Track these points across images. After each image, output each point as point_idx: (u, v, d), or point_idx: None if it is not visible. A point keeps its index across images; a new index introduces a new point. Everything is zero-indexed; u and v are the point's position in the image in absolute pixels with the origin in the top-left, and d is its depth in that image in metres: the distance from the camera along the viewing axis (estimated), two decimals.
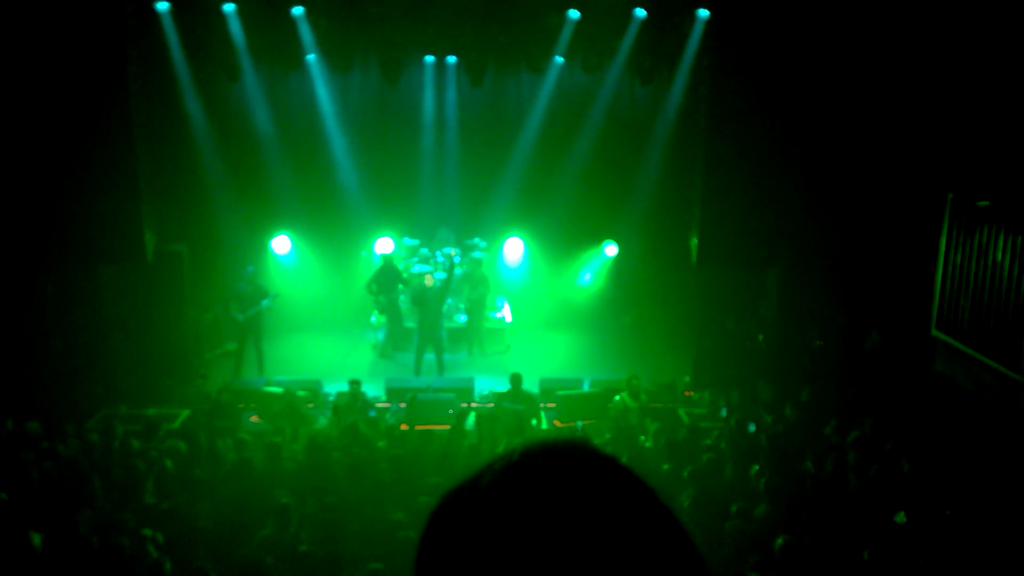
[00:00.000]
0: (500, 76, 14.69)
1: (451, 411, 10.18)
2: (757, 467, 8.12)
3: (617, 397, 10.48)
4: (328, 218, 14.97)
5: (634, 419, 10.21)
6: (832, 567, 6.32)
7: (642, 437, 9.78)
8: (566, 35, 12.89)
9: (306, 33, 12.71)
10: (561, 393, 11.55)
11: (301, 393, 11.36)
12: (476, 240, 15.03)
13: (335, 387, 11.80)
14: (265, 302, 12.96)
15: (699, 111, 12.32)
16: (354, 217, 15.04)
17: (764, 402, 10.95)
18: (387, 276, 13.78)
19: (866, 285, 11.90)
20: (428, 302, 12.80)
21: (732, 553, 6.51)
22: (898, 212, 11.30)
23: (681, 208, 13.04)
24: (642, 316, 15.33)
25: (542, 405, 11.29)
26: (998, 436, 8.91)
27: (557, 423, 11.14)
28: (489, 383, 12.29)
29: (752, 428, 9.48)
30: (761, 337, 13.01)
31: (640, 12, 12.49)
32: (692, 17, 12.27)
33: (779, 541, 6.24)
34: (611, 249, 15.57)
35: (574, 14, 12.54)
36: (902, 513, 6.91)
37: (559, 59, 13.90)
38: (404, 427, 10.35)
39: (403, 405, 11.27)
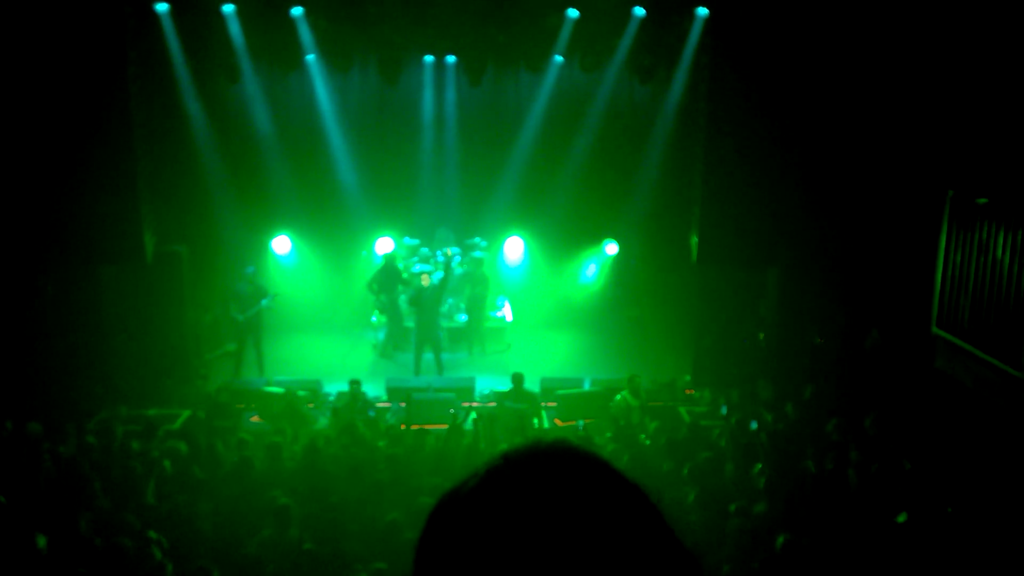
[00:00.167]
0: (499, 76, 14.69)
1: (452, 411, 10.18)
2: (759, 465, 8.13)
3: (619, 396, 10.49)
4: (328, 218, 14.97)
5: (635, 418, 10.22)
6: (833, 565, 6.32)
7: (643, 436, 9.78)
8: (565, 34, 12.90)
9: (305, 33, 12.71)
10: (561, 392, 11.55)
11: (301, 393, 11.36)
12: (476, 239, 15.04)
13: (335, 387, 11.81)
14: (264, 302, 12.96)
15: (698, 109, 12.32)
16: (354, 217, 15.04)
17: (764, 401, 10.96)
18: (388, 275, 13.79)
19: (866, 283, 11.89)
20: (425, 302, 12.80)
21: (733, 552, 6.52)
22: (898, 210, 11.29)
23: (681, 207, 13.04)
24: (642, 315, 15.33)
25: (543, 404, 11.30)
26: (999, 433, 8.91)
27: (558, 422, 11.15)
28: (490, 382, 12.30)
29: (754, 426, 9.49)
30: (761, 336, 13.01)
31: (639, 11, 12.49)
32: (691, 15, 12.27)
33: (780, 539, 6.24)
34: (611, 248, 15.58)
35: (573, 13, 12.54)
36: (904, 514, 6.91)
37: (558, 58, 13.90)
38: (404, 427, 10.36)
39: (403, 405, 11.27)
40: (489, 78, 14.19)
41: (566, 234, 15.32)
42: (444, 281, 13.16)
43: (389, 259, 13.99)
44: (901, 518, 6.86)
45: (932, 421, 9.49)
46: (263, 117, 14.32)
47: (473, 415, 10.00)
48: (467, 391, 11.83)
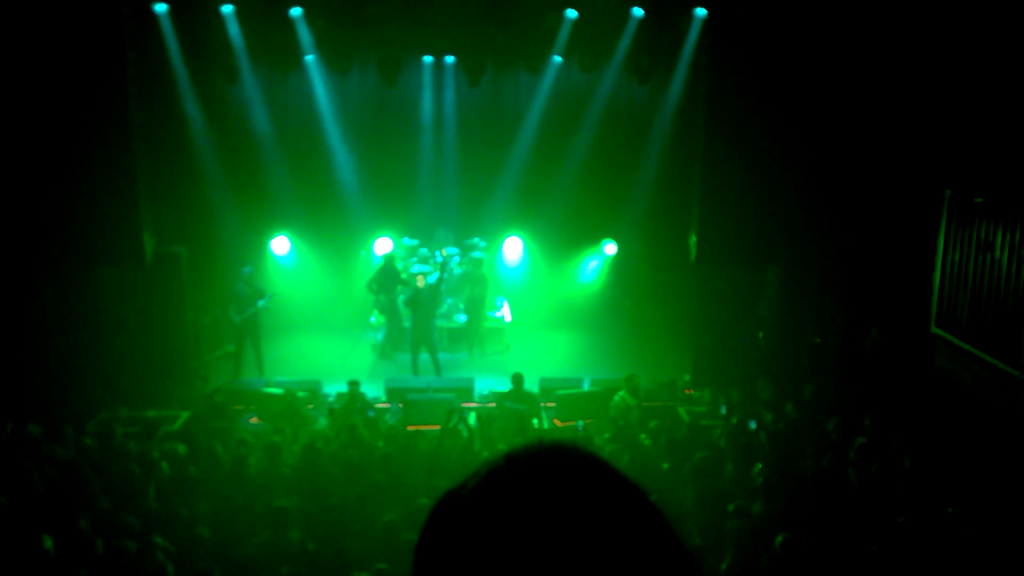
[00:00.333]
0: (498, 76, 14.70)
1: (449, 411, 10.18)
2: (759, 465, 8.13)
3: (618, 396, 10.48)
4: (327, 218, 14.97)
5: (635, 417, 10.22)
6: (832, 564, 6.32)
7: (643, 436, 9.78)
8: (564, 34, 12.90)
9: (304, 34, 12.71)
10: (561, 392, 11.55)
11: (301, 394, 11.35)
12: (475, 240, 15.04)
13: (335, 388, 11.80)
14: (261, 302, 12.96)
15: (697, 109, 12.32)
16: (353, 217, 15.04)
17: (764, 400, 10.96)
18: (387, 276, 13.79)
19: (865, 282, 11.90)
20: (421, 303, 12.81)
21: (733, 552, 6.52)
22: (896, 209, 11.30)
23: (680, 207, 13.04)
24: (642, 315, 15.33)
25: (542, 404, 11.30)
26: (998, 432, 8.91)
27: (557, 422, 11.15)
28: (489, 383, 12.30)
29: (753, 426, 9.49)
30: (761, 335, 13.02)
31: (638, 11, 12.50)
32: (690, 16, 12.27)
33: (779, 539, 6.24)
34: (610, 248, 15.59)
35: (572, 14, 12.55)
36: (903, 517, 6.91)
37: (557, 58, 13.91)
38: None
39: (402, 405, 11.27)
40: (488, 78, 14.20)
41: (565, 234, 15.32)
42: (439, 282, 13.17)
43: (388, 259, 13.99)
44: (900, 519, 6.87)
45: (931, 420, 9.49)
46: (262, 117, 14.33)
47: (472, 416, 9.98)
48: (466, 391, 11.83)
